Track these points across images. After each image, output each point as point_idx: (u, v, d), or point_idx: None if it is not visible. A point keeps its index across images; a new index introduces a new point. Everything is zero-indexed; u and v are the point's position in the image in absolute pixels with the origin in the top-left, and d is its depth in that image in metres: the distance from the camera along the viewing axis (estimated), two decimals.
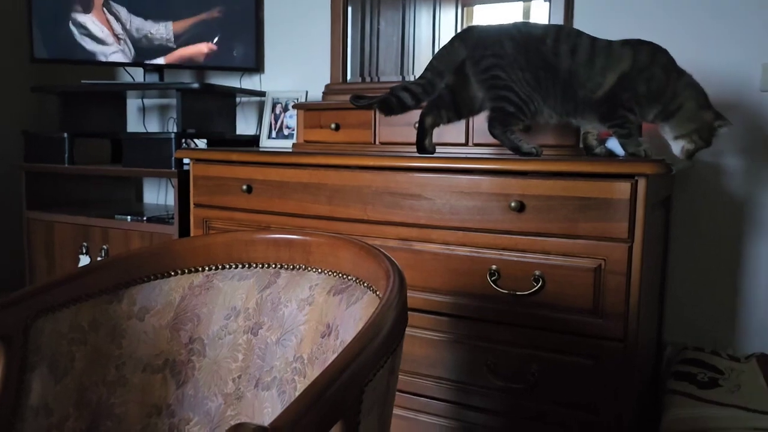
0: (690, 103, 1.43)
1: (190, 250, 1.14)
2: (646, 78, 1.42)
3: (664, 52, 1.45)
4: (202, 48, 2.41)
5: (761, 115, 1.77)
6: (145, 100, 2.80)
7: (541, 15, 1.99)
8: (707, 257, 1.86)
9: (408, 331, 1.54)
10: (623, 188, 1.28)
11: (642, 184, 1.28)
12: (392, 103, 1.52)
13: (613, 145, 1.53)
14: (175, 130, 2.30)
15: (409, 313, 1.54)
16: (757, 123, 1.78)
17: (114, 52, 2.44)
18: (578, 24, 1.93)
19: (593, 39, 1.45)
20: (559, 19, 1.91)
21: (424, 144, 1.57)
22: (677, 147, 1.48)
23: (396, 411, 1.58)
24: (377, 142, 1.93)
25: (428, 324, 1.52)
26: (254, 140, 2.47)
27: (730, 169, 1.82)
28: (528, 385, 1.41)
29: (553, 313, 1.37)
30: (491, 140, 1.55)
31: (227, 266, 1.15)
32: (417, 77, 1.57)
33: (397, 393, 1.58)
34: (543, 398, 1.40)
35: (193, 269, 1.14)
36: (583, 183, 1.32)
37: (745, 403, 1.42)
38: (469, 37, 1.51)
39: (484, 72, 1.48)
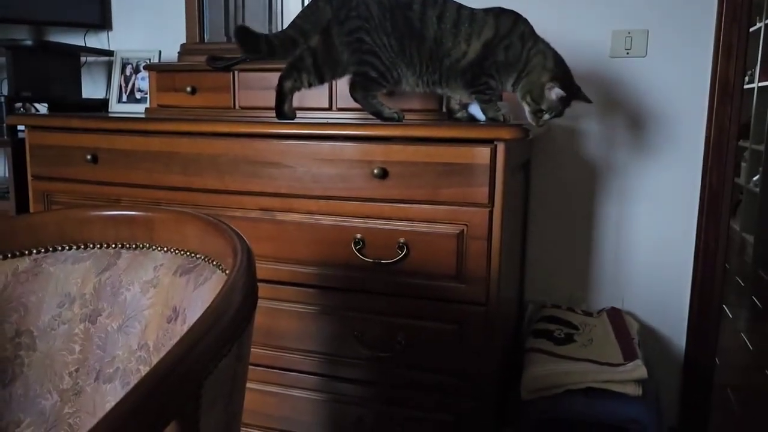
0: (537, 68, 1.45)
1: (13, 232, 1.00)
2: (505, 46, 1.42)
3: (524, 21, 1.46)
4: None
5: (611, 81, 1.85)
6: None
7: None
8: (564, 218, 1.94)
9: (274, 304, 1.49)
10: (483, 153, 1.28)
11: (501, 148, 1.28)
12: (262, 47, 1.42)
13: (475, 110, 1.54)
14: (6, 94, 2.05)
15: (274, 286, 1.49)
16: (607, 89, 1.86)
17: None
18: None
19: (459, 6, 1.43)
20: None
21: (283, 109, 1.49)
22: (525, 109, 1.48)
23: (265, 387, 1.53)
24: (237, 107, 1.82)
25: (294, 296, 1.47)
26: (103, 104, 2.26)
27: (584, 133, 1.90)
28: (396, 353, 1.40)
29: (418, 280, 1.37)
30: (356, 105, 1.50)
31: (59, 248, 1.02)
32: (280, 31, 1.46)
33: (265, 369, 1.53)
34: (411, 365, 1.40)
35: (17, 253, 1.01)
36: (445, 148, 1.31)
37: (596, 356, 1.50)
38: None
39: (349, 34, 1.42)
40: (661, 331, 1.91)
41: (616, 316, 1.78)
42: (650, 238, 1.88)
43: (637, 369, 1.43)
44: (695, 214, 1.84)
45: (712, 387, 1.93)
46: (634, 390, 1.42)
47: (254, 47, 1.42)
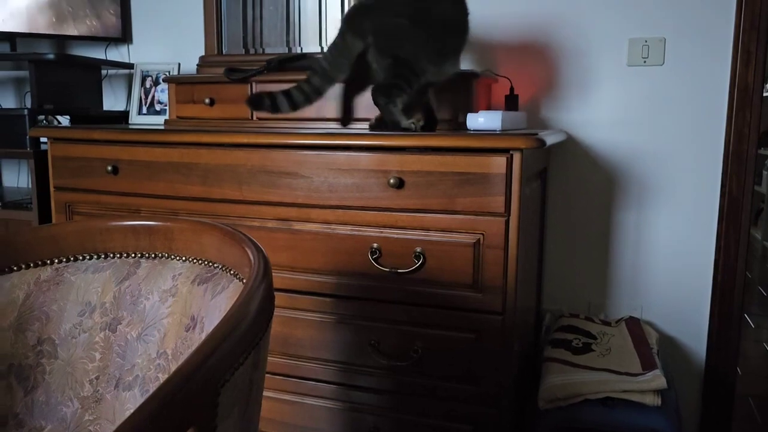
0: None
1: (35, 241, 1.02)
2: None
3: None
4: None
5: (629, 90, 1.84)
6: None
7: None
8: (581, 226, 1.93)
9: (291, 313, 1.49)
10: (499, 163, 1.28)
11: (517, 158, 1.28)
12: (265, 103, 1.47)
13: (488, 118, 1.53)
14: (29, 106, 2.09)
15: (291, 295, 1.50)
16: (625, 97, 1.85)
17: None
18: None
19: None
20: None
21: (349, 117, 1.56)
22: None
23: (281, 396, 1.54)
24: (255, 118, 1.84)
25: (311, 305, 1.48)
26: (124, 116, 2.29)
27: (602, 141, 1.89)
28: (412, 362, 1.40)
29: (435, 289, 1.37)
30: (372, 116, 1.52)
31: (80, 257, 1.04)
32: (305, 78, 1.47)
33: (282, 377, 1.54)
34: (427, 374, 1.40)
35: (39, 262, 1.03)
36: (461, 158, 1.31)
37: (614, 366, 1.49)
38: (364, 29, 1.43)
39: (388, 59, 1.44)
40: (681, 340, 1.89)
41: (634, 325, 1.76)
42: (669, 247, 1.87)
43: (656, 379, 1.42)
44: (714, 221, 1.82)
45: (733, 397, 1.90)
46: (652, 400, 1.40)
47: (274, 107, 1.47)
